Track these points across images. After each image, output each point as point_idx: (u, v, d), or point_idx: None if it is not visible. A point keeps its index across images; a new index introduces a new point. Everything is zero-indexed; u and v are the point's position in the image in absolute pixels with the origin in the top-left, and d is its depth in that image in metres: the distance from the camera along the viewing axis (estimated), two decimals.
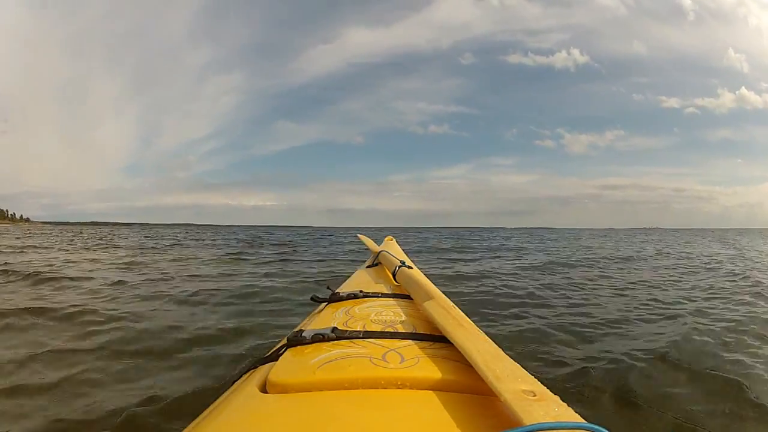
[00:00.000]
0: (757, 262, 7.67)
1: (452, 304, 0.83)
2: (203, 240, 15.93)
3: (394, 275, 1.21)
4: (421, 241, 14.57)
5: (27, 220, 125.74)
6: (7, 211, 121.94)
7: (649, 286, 4.63)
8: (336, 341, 0.67)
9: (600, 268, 6.73)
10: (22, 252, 9.09)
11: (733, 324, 2.75)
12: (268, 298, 3.72)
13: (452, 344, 0.60)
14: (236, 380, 0.68)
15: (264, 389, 0.56)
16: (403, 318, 0.81)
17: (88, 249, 10.31)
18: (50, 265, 6.10)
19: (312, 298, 1.04)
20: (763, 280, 5.03)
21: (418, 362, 0.58)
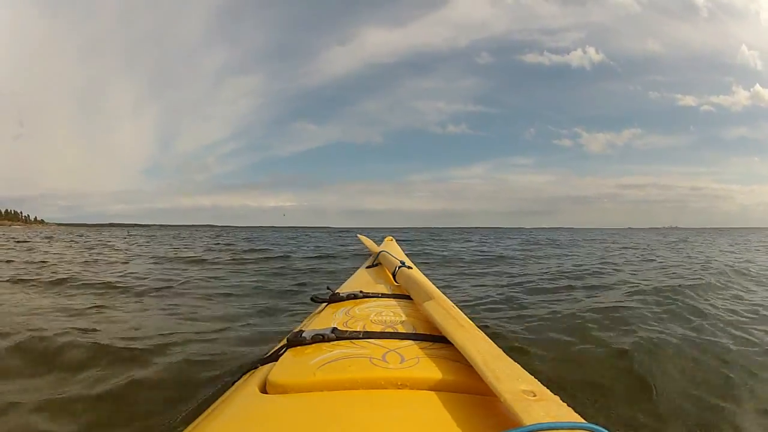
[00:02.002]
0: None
1: (452, 304, 0.83)
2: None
3: (394, 275, 1.21)
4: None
5: (41, 221, 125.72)
6: (20, 213, 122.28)
7: None
8: (336, 341, 0.67)
9: None
10: None
11: None
12: None
13: (452, 344, 0.60)
14: (236, 380, 0.68)
15: (264, 389, 0.56)
16: (403, 318, 0.81)
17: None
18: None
19: (312, 299, 1.04)
20: None
21: (418, 362, 0.58)
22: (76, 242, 12.64)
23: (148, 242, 13.08)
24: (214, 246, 10.51)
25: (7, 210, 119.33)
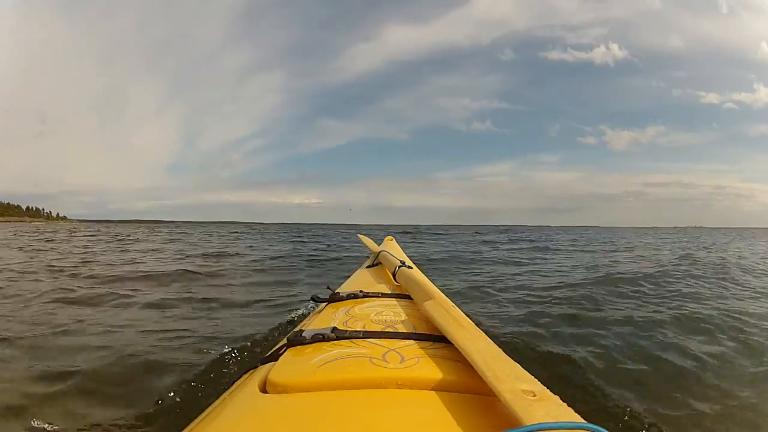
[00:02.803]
0: None
1: (452, 304, 0.83)
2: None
3: (394, 275, 1.21)
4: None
5: (63, 218, 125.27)
6: (42, 209, 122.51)
7: None
8: (336, 341, 0.67)
9: None
10: None
11: None
12: None
13: (452, 344, 0.60)
14: (236, 380, 0.69)
15: (264, 389, 0.56)
16: (403, 318, 0.81)
17: None
18: None
19: (312, 298, 1.04)
20: None
21: (418, 362, 0.58)
22: (104, 240, 11.94)
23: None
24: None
25: (28, 207, 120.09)
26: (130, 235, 14.98)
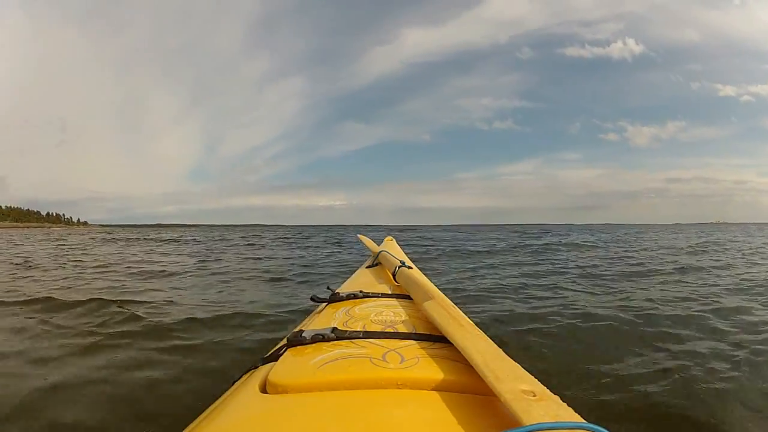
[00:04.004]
0: None
1: (452, 304, 0.83)
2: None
3: (394, 275, 1.21)
4: None
5: (84, 223, 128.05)
6: (63, 215, 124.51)
7: None
8: (336, 341, 0.67)
9: None
10: None
11: None
12: None
13: (452, 344, 0.60)
14: (236, 380, 0.68)
15: (264, 389, 0.56)
16: (403, 318, 0.81)
17: None
18: None
19: (312, 299, 1.04)
20: None
21: (418, 362, 0.58)
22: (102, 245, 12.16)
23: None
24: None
25: (48, 213, 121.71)
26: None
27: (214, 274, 5.26)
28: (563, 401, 0.42)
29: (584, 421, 0.39)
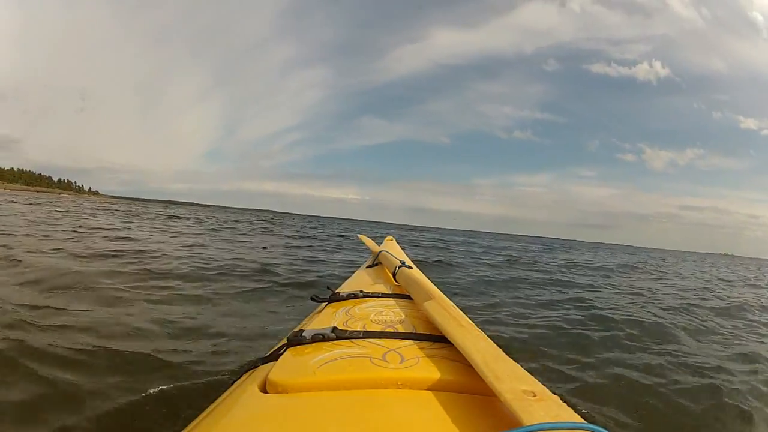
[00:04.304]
0: None
1: (452, 304, 0.83)
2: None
3: (394, 275, 1.21)
4: None
5: (95, 193, 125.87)
6: (74, 182, 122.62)
7: None
8: (336, 341, 0.67)
9: None
10: None
11: None
12: None
13: (452, 344, 0.60)
14: (236, 380, 0.68)
15: (264, 389, 0.56)
16: (403, 318, 0.81)
17: None
18: None
19: (312, 298, 1.04)
20: None
21: (418, 362, 0.58)
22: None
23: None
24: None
25: (60, 179, 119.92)
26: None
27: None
28: (563, 401, 0.42)
29: (584, 421, 0.39)
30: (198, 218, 16.83)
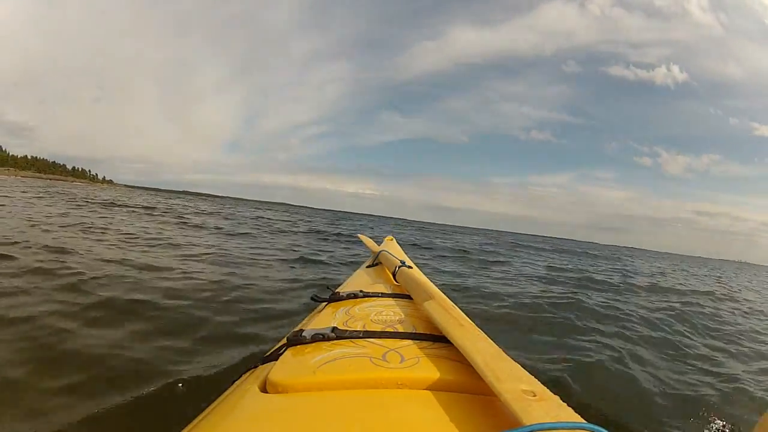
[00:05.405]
0: None
1: (452, 304, 0.83)
2: None
3: (394, 275, 1.21)
4: None
5: (110, 182, 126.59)
6: (89, 171, 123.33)
7: None
8: (336, 341, 0.67)
9: None
10: None
11: None
12: None
13: (452, 344, 0.60)
14: (236, 380, 0.69)
15: (264, 389, 0.56)
16: (403, 318, 0.81)
17: None
18: None
19: (312, 298, 1.04)
20: None
21: (419, 362, 0.58)
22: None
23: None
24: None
25: (74, 167, 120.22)
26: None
27: None
28: (563, 401, 0.42)
29: (584, 421, 0.39)
30: (177, 212, 13.34)
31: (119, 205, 12.98)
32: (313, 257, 5.65)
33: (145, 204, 15.85)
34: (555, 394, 0.44)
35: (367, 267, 1.59)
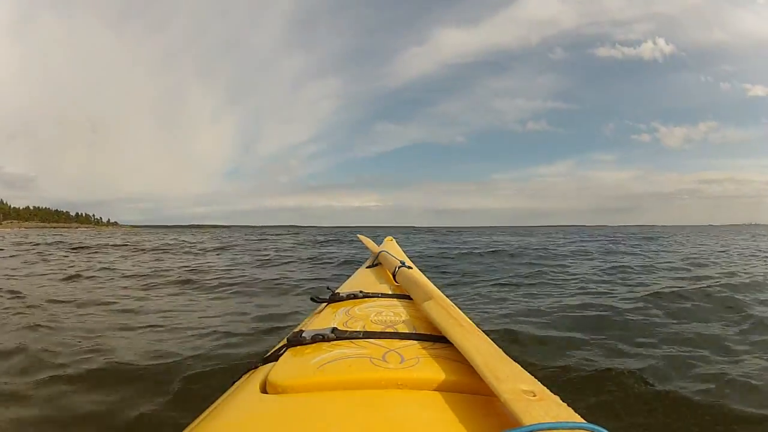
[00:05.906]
0: None
1: (452, 304, 0.83)
2: None
3: (394, 275, 1.21)
4: None
5: (114, 224, 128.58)
6: (92, 215, 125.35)
7: None
8: (336, 341, 0.67)
9: None
10: None
11: None
12: None
13: (452, 344, 0.60)
14: (236, 380, 0.68)
15: (264, 389, 0.56)
16: (403, 318, 0.81)
17: None
18: None
19: (312, 299, 1.04)
20: None
21: (419, 362, 0.58)
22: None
23: None
24: None
25: (78, 213, 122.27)
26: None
27: None
28: (563, 401, 0.42)
29: (584, 421, 0.39)
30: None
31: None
32: None
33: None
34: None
35: (366, 267, 1.59)
